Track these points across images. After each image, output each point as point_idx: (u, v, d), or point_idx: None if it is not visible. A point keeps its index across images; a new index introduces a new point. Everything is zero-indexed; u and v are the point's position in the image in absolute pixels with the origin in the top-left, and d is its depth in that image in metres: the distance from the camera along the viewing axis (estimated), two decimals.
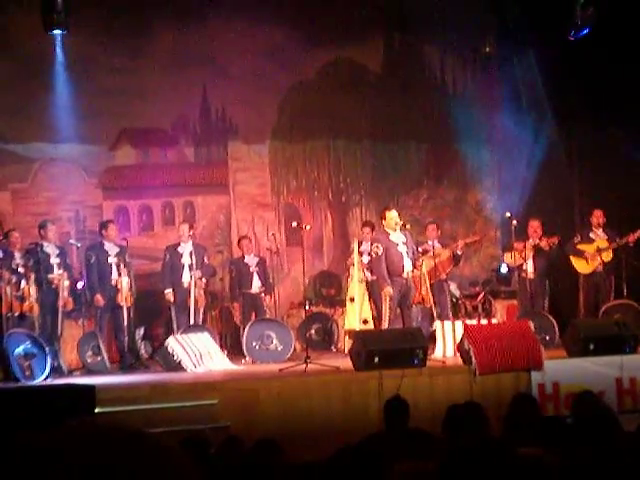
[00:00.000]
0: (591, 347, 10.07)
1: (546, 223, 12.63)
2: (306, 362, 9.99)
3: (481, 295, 13.35)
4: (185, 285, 11.89)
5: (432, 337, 11.09)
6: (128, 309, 11.29)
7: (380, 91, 15.01)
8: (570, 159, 14.29)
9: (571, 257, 12.66)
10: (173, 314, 11.95)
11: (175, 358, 10.46)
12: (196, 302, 11.77)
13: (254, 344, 11.59)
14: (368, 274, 12.20)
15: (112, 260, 11.50)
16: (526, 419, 5.33)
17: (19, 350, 10.11)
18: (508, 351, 9.69)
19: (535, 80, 14.21)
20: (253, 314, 12.37)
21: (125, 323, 11.26)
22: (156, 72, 13.76)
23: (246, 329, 11.72)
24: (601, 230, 12.63)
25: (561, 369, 9.87)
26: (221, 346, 11.55)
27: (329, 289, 14.15)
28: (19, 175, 13.54)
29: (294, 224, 12.85)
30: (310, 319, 12.87)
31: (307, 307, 12.41)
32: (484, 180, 15.48)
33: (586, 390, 6.20)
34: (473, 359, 9.55)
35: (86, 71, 13.32)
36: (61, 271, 11.15)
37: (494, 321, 12.28)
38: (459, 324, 10.91)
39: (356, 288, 12.19)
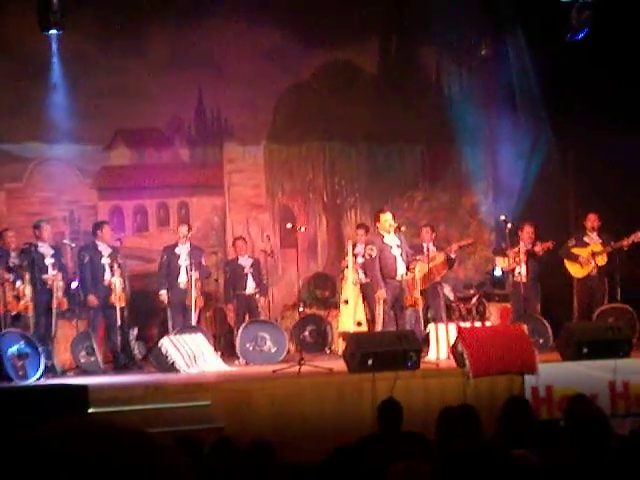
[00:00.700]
0: (585, 351, 10.09)
1: (540, 227, 12.63)
2: (300, 364, 9.97)
3: (475, 298, 13.34)
4: (182, 286, 11.88)
5: (426, 340, 11.09)
6: (121, 309, 11.28)
7: (376, 93, 14.99)
8: (565, 161, 14.28)
9: (565, 261, 12.66)
10: (169, 315, 11.94)
11: (168, 359, 10.45)
12: (195, 303, 11.77)
13: (248, 345, 11.58)
14: (362, 276, 12.20)
15: (105, 261, 11.49)
16: (519, 422, 5.33)
17: (13, 350, 10.09)
18: (502, 354, 9.69)
19: (531, 82, 14.22)
20: (247, 315, 12.35)
21: (118, 323, 11.25)
22: (152, 73, 13.74)
23: (240, 330, 11.70)
24: (595, 234, 12.62)
25: (555, 372, 9.87)
26: (215, 347, 11.53)
27: (323, 291, 14.13)
28: (14, 175, 13.52)
29: (289, 226, 12.84)
30: (304, 321, 12.85)
31: (301, 309, 12.39)
32: (479, 183, 15.46)
33: (579, 394, 6.19)
34: (467, 362, 9.56)
35: (82, 71, 13.30)
36: (55, 272, 11.12)
37: (488, 324, 12.30)
38: (453, 327, 10.91)
39: (350, 290, 12.19)
